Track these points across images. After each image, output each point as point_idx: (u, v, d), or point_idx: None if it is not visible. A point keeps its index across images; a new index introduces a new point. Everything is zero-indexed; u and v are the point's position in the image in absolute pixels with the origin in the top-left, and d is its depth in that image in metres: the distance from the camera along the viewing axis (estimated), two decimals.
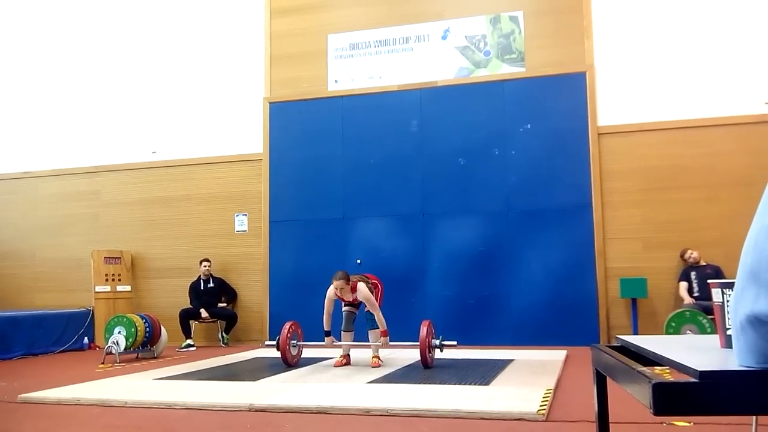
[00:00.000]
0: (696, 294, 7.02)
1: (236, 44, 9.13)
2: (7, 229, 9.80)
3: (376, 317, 5.85)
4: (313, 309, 7.36)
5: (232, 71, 9.10)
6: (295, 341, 6.13)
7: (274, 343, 6.09)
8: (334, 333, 6.04)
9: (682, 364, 1.22)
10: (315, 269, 8.25)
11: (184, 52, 9.33)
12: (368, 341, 6.04)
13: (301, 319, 6.52)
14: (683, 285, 7.13)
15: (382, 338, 5.88)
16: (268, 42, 8.99)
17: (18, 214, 9.77)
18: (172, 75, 9.34)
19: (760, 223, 1.14)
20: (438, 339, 5.82)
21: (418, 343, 5.61)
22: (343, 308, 6.09)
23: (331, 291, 5.90)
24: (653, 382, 1.11)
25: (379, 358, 5.99)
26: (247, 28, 9.11)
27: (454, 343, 5.97)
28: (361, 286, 5.83)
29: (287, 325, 6.07)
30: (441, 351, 5.88)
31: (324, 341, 6.03)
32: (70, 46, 9.83)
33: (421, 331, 5.65)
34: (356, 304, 6.08)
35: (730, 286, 1.36)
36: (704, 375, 1.11)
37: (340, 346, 6.10)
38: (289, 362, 5.97)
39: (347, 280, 5.84)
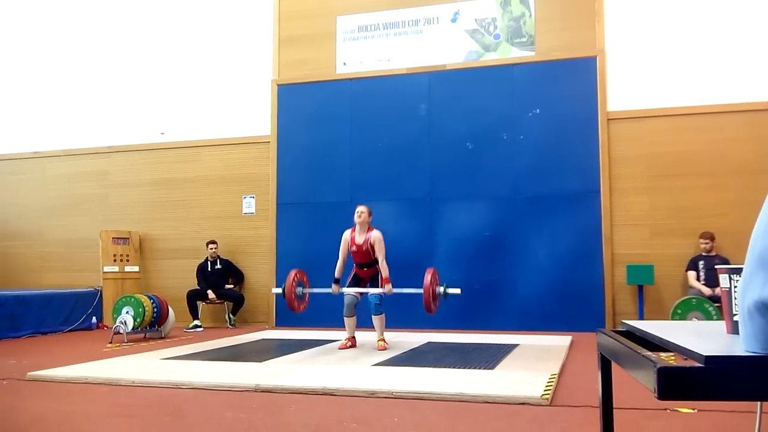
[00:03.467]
0: (702, 283, 7.00)
1: (245, 26, 9.09)
2: (17, 208, 9.85)
3: (380, 263, 5.87)
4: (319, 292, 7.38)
5: (240, 53, 9.07)
6: (301, 288, 6.13)
7: (280, 290, 6.09)
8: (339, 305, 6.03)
9: (687, 349, 1.22)
10: (322, 252, 8.24)
11: (193, 34, 9.30)
12: (372, 329, 6.03)
13: (309, 301, 6.53)
14: (692, 274, 7.09)
15: (385, 285, 5.87)
16: (277, 24, 8.94)
17: (27, 194, 9.82)
18: (181, 56, 9.32)
19: None
20: (442, 286, 5.81)
21: (422, 290, 5.62)
22: (345, 293, 6.03)
23: (346, 233, 6.02)
24: (658, 366, 1.11)
25: (385, 341, 6.01)
26: (255, 9, 9.06)
27: (458, 291, 5.95)
28: (376, 232, 5.91)
29: (293, 273, 6.07)
30: (445, 298, 5.88)
31: (331, 288, 6.03)
32: (81, 26, 9.81)
33: (425, 277, 5.66)
34: (364, 265, 6.00)
35: (738, 272, 1.35)
36: (710, 360, 1.10)
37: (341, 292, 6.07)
38: (294, 309, 5.98)
39: (370, 213, 6.01)
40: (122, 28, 9.62)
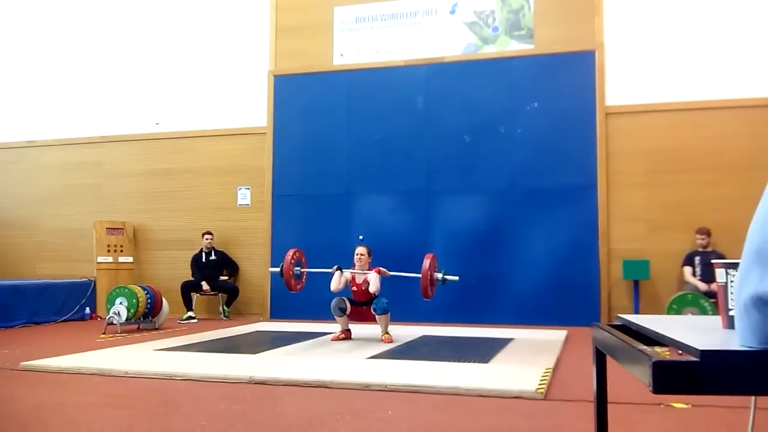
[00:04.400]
0: (698, 278, 6.99)
1: (241, 16, 9.03)
2: (10, 198, 9.81)
3: (371, 285, 5.72)
4: (315, 283, 7.37)
5: (237, 43, 9.01)
6: (298, 268, 6.08)
7: (277, 269, 6.05)
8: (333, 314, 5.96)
9: (683, 343, 1.20)
10: (317, 244, 8.22)
11: (189, 23, 9.24)
12: (376, 323, 5.97)
13: (303, 293, 6.52)
14: (687, 270, 7.08)
15: (374, 282, 5.71)
16: (274, 14, 8.88)
17: (21, 183, 9.77)
18: (177, 46, 9.26)
19: None
20: (441, 272, 5.76)
21: (420, 275, 5.59)
22: (337, 298, 5.94)
23: (347, 273, 5.85)
24: (653, 360, 1.10)
25: (389, 335, 5.93)
26: None
27: (456, 278, 5.88)
28: (374, 273, 5.73)
29: (291, 252, 6.02)
30: (443, 284, 5.81)
31: (331, 269, 5.89)
32: (76, 15, 9.74)
33: (424, 263, 5.62)
34: (363, 303, 5.88)
35: (734, 266, 1.34)
36: (705, 354, 1.09)
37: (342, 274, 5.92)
38: (292, 288, 5.94)
39: (370, 254, 5.87)
40: (117, 18, 9.55)
